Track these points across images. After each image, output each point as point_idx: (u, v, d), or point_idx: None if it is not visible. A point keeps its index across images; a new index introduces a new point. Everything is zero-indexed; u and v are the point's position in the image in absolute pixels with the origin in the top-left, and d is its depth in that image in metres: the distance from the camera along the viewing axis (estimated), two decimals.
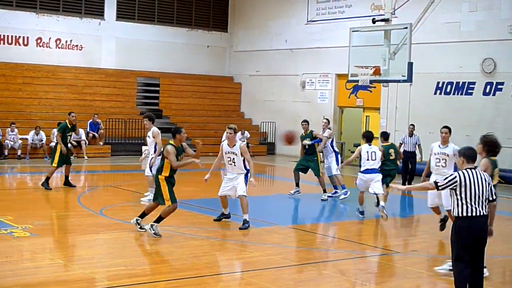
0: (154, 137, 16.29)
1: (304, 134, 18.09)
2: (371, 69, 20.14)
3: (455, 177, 8.42)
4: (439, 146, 13.43)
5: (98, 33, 32.73)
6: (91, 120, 29.29)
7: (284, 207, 17.21)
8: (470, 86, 25.72)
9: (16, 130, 26.88)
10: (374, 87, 28.13)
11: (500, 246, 12.63)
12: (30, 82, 30.49)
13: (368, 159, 15.05)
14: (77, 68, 32.08)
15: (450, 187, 8.45)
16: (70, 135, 19.32)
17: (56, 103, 30.32)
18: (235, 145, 13.58)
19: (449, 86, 26.40)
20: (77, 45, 32.11)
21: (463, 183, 8.36)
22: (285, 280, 10.14)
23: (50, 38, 31.42)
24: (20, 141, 26.96)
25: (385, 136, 16.57)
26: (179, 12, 35.23)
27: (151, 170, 16.15)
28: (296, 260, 11.43)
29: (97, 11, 32.76)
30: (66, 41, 31.82)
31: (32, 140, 27.05)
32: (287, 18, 33.40)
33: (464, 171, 8.46)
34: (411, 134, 22.17)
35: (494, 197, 8.80)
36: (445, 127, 13.62)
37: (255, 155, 32.32)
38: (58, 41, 31.64)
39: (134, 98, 33.26)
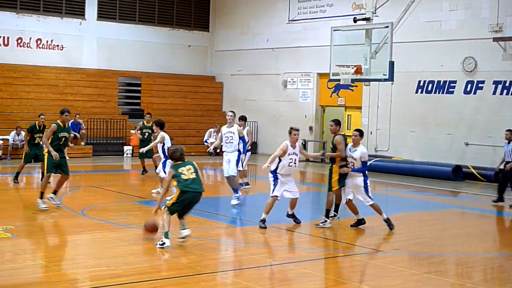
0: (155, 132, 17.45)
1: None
2: (353, 68, 20.18)
3: None
4: (349, 149, 13.83)
5: (79, 33, 32.61)
6: (73, 120, 29.12)
7: None
8: (451, 84, 25.85)
9: None
10: (356, 86, 28.22)
11: (481, 244, 12.70)
12: (11, 82, 30.31)
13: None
14: (58, 68, 31.96)
15: None
16: (40, 137, 19.35)
17: (37, 103, 30.16)
18: (295, 146, 13.84)
19: (430, 85, 26.52)
20: (58, 45, 31.97)
21: None
22: (267, 280, 10.16)
23: (30, 38, 31.27)
24: (1, 142, 26.82)
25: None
26: (160, 12, 35.16)
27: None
28: (278, 259, 11.44)
29: (78, 11, 32.63)
30: (47, 41, 31.68)
31: (13, 140, 26.91)
32: (269, 17, 33.43)
33: None
34: (510, 140, 18.69)
35: None
36: (356, 130, 14.05)
37: None
38: (38, 41, 31.49)
39: (115, 98, 33.17)
